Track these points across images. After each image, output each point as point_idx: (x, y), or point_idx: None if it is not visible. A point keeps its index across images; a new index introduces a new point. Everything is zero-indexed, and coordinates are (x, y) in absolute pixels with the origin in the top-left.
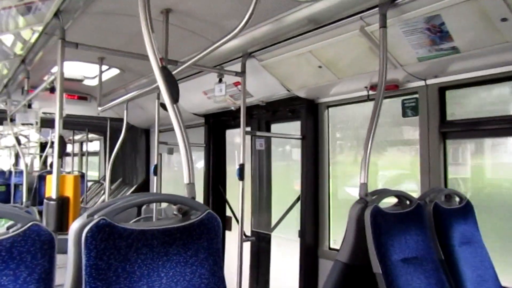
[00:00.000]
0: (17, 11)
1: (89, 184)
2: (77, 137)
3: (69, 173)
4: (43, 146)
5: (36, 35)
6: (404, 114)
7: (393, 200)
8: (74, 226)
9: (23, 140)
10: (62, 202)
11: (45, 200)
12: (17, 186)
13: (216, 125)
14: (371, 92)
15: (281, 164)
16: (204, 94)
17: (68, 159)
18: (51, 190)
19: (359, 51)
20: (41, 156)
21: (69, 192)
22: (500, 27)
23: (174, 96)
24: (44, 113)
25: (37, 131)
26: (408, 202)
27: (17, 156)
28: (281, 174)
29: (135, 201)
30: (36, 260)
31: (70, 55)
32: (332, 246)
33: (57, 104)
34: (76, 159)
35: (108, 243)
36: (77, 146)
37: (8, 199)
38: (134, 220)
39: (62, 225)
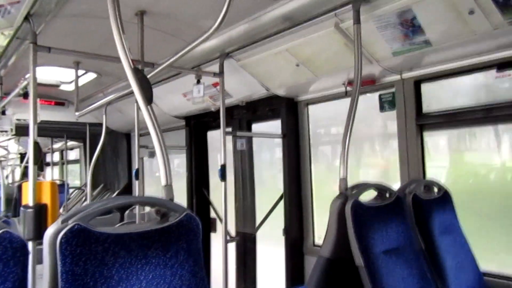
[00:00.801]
0: None
1: (71, 191)
2: (57, 145)
3: None
4: (23, 157)
5: (7, 39)
6: (382, 109)
7: (373, 193)
8: (48, 232)
9: (2, 151)
10: (40, 210)
11: (21, 208)
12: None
13: (197, 126)
14: (348, 88)
15: (263, 163)
16: (183, 96)
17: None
18: (27, 197)
19: (335, 48)
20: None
21: (46, 199)
22: (468, 20)
23: (148, 97)
24: (18, 119)
25: (16, 142)
26: (388, 195)
27: None
28: (264, 173)
29: (110, 204)
30: (8, 268)
31: (44, 60)
32: (316, 242)
33: (30, 110)
34: (56, 168)
35: (84, 248)
36: (58, 155)
37: None
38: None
39: (40, 233)
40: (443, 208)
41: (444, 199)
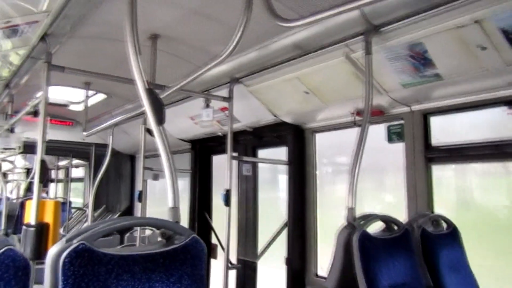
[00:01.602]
0: (3, 34)
1: (73, 211)
2: (62, 163)
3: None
4: (28, 172)
5: (21, 58)
6: (390, 140)
7: (379, 225)
8: (52, 251)
9: (8, 166)
10: (41, 228)
11: (23, 227)
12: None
13: (203, 150)
14: (357, 118)
15: (267, 190)
16: (191, 120)
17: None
18: (30, 216)
19: (345, 77)
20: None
21: (48, 218)
22: (479, 55)
23: (160, 118)
24: (27, 138)
25: (23, 158)
26: (395, 227)
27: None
28: (268, 200)
29: (116, 224)
30: (9, 286)
31: (56, 80)
32: (319, 273)
33: (40, 128)
34: (61, 185)
35: (87, 269)
36: (62, 172)
37: None
38: (118, 247)
39: (40, 252)
40: (452, 244)
41: (453, 235)
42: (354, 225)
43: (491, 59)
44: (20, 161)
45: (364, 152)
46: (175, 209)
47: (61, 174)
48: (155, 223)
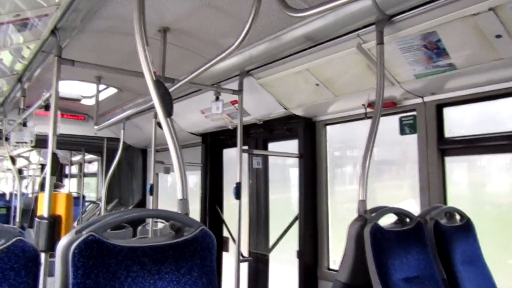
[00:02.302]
0: (14, 27)
1: (86, 204)
2: (76, 158)
3: None
4: (43, 168)
5: (33, 52)
6: (402, 132)
7: (392, 218)
8: (62, 242)
9: (24, 162)
10: (54, 221)
11: (36, 219)
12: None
13: (213, 144)
14: (368, 110)
15: (279, 182)
16: (201, 113)
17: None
18: (43, 208)
19: (357, 69)
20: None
21: (61, 210)
22: (495, 44)
23: (168, 109)
24: (39, 132)
25: (38, 154)
26: (408, 220)
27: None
28: (279, 193)
29: (125, 216)
30: (19, 277)
31: (68, 74)
32: (331, 266)
33: (51, 122)
34: (75, 180)
35: (96, 260)
36: (76, 167)
37: (8, 221)
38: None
39: (53, 245)
40: (466, 237)
41: (467, 227)
42: (366, 217)
43: (507, 47)
44: (35, 157)
45: (378, 144)
46: (184, 201)
47: (74, 170)
48: (164, 215)
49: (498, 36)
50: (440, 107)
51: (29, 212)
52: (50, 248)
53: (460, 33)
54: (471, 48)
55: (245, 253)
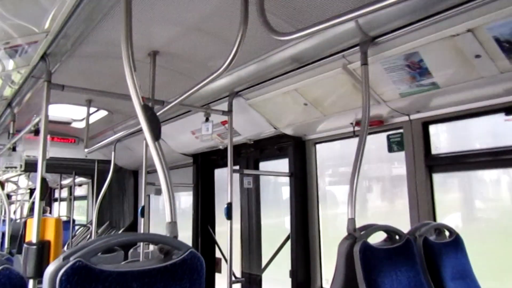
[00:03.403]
0: (4, 53)
1: (76, 228)
2: (66, 181)
3: None
4: (32, 192)
5: (23, 77)
6: (390, 149)
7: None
8: (49, 269)
9: (12, 186)
10: (43, 247)
11: (25, 245)
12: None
13: (205, 164)
14: (357, 128)
15: (270, 202)
16: (192, 134)
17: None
18: (31, 234)
19: (343, 88)
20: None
21: (50, 235)
22: (475, 63)
23: (155, 133)
24: (28, 156)
25: (26, 178)
26: (397, 237)
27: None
28: (271, 212)
29: (113, 241)
30: None
31: (58, 98)
32: (324, 285)
33: (40, 146)
34: (64, 204)
35: (83, 286)
36: (66, 191)
37: None
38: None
39: (41, 271)
40: (455, 252)
41: (456, 243)
42: (355, 236)
43: (486, 67)
44: (23, 181)
45: (367, 161)
46: (172, 224)
47: (64, 193)
48: (152, 239)
49: (478, 56)
50: (426, 124)
51: (17, 238)
52: (38, 274)
53: (441, 53)
54: (452, 67)
55: (238, 273)
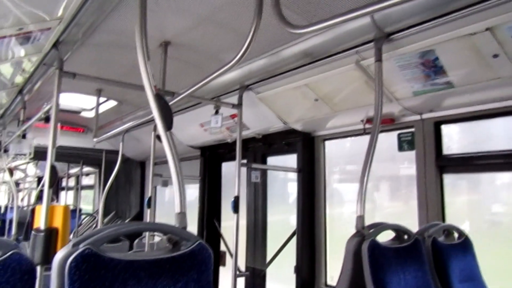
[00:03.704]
0: (16, 41)
1: (83, 217)
2: (73, 171)
3: None
4: (39, 180)
5: (34, 65)
6: (400, 148)
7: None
8: (58, 255)
9: (20, 174)
10: (50, 234)
11: (32, 232)
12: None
13: (212, 157)
14: (367, 126)
15: (277, 197)
16: (200, 127)
17: (66, 194)
18: (39, 221)
19: (355, 85)
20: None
21: (58, 223)
22: (492, 63)
23: (168, 123)
24: (38, 144)
25: (34, 166)
26: (406, 237)
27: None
28: (277, 207)
29: (123, 229)
30: None
31: (68, 87)
32: (329, 282)
33: (50, 134)
34: (71, 193)
35: (93, 273)
36: (73, 180)
37: (3, 235)
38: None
39: (49, 257)
40: (464, 254)
41: (465, 245)
42: (364, 233)
43: (504, 67)
44: (31, 169)
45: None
46: (182, 215)
47: (71, 183)
48: (162, 229)
49: (495, 56)
50: (438, 124)
51: (24, 225)
52: (46, 261)
53: (458, 52)
54: (468, 67)
55: (242, 267)
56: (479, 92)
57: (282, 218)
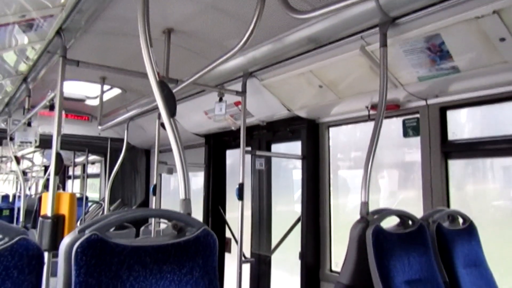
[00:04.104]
0: (19, 28)
1: (89, 205)
2: (79, 159)
3: None
4: (46, 169)
5: (38, 53)
6: (405, 134)
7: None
8: (64, 241)
9: (27, 163)
10: (57, 220)
11: (40, 218)
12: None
13: (217, 145)
14: (372, 112)
15: (281, 184)
16: (205, 114)
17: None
18: (46, 208)
19: (360, 71)
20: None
21: (64, 210)
22: (499, 47)
23: (171, 110)
24: (43, 132)
25: (41, 154)
26: (410, 223)
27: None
28: (282, 194)
29: (128, 216)
30: (23, 275)
31: (72, 74)
32: (333, 268)
33: (55, 121)
34: (78, 182)
35: (99, 259)
36: (79, 169)
37: (12, 223)
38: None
39: (56, 244)
40: (468, 240)
41: (470, 230)
42: (368, 219)
43: (511, 51)
44: (38, 158)
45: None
46: (186, 201)
47: (77, 172)
48: (167, 215)
49: (502, 39)
50: (443, 109)
51: (32, 213)
52: (53, 247)
53: (464, 36)
54: (474, 51)
55: (248, 254)
56: (486, 77)
57: (287, 206)
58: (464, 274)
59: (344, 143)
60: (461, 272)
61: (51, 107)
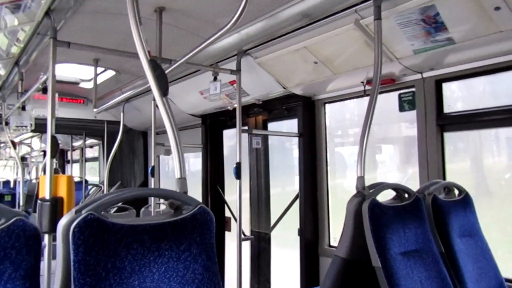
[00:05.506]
0: (7, 9)
1: (89, 187)
2: (77, 143)
3: None
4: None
5: (28, 34)
6: (401, 108)
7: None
8: (62, 222)
9: (26, 149)
10: (56, 203)
11: (38, 201)
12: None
13: (213, 125)
14: (367, 87)
15: (279, 162)
16: (200, 94)
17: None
18: (44, 190)
19: (355, 46)
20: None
21: (62, 192)
22: (494, 17)
23: (163, 88)
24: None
25: (39, 140)
26: (406, 195)
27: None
28: (279, 172)
29: (123, 195)
30: (21, 255)
31: (65, 57)
32: (332, 243)
33: (48, 104)
34: (77, 166)
35: (96, 238)
36: (78, 153)
37: (14, 207)
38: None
39: (55, 226)
40: (464, 211)
41: (465, 201)
42: (364, 194)
43: (506, 20)
44: (36, 143)
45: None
46: (182, 180)
47: (76, 156)
48: (163, 194)
49: (497, 8)
50: (439, 82)
51: (33, 197)
52: (53, 229)
53: (459, 6)
54: (469, 21)
55: (247, 232)
56: (481, 47)
57: (285, 183)
58: (460, 243)
59: (340, 120)
60: (456, 242)
61: (44, 90)
